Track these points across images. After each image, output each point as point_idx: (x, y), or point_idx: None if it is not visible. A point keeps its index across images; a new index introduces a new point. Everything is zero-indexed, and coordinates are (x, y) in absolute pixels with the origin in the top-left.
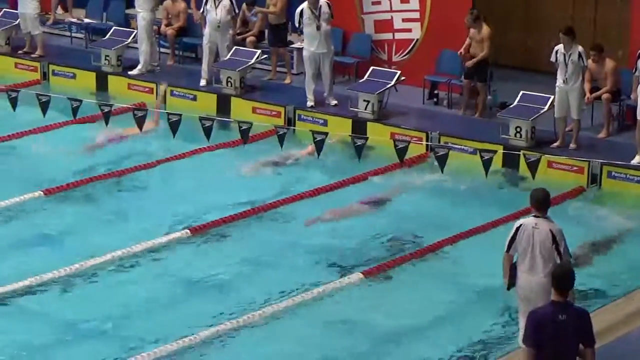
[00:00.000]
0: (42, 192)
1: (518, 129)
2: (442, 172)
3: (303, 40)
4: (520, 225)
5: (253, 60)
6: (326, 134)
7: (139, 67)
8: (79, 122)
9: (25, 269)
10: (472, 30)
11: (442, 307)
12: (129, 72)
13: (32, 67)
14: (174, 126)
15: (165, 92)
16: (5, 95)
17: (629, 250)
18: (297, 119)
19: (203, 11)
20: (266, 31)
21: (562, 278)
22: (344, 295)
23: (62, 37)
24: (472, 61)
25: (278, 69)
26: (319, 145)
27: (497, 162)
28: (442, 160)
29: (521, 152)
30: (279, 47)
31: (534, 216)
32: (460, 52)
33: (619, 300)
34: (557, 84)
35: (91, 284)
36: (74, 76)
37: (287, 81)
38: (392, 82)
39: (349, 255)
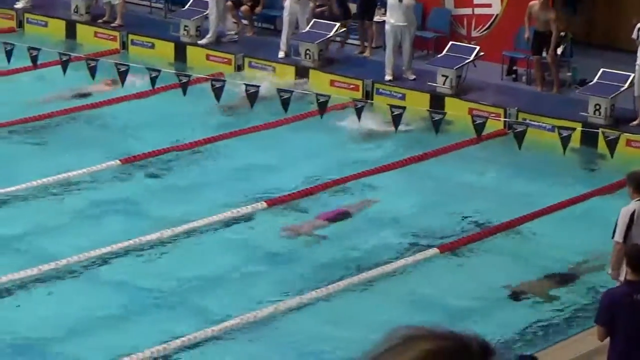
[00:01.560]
0: (119, 161)
1: (597, 107)
2: (519, 148)
3: (384, 13)
4: (634, 211)
5: (332, 33)
6: (404, 108)
7: (208, 36)
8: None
9: (102, 238)
10: (536, 10)
11: (517, 283)
12: (198, 42)
13: (111, 37)
14: (252, 97)
15: None
16: (84, 64)
17: None
18: (375, 92)
19: None
20: (343, 4)
21: (638, 257)
22: (420, 271)
23: (141, 6)
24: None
25: (353, 41)
26: (397, 120)
27: (575, 139)
28: (519, 137)
29: (600, 130)
30: (366, 20)
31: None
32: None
33: None
34: (638, 62)
35: (166, 254)
36: (152, 46)
37: (367, 54)
38: (471, 58)
39: (426, 231)
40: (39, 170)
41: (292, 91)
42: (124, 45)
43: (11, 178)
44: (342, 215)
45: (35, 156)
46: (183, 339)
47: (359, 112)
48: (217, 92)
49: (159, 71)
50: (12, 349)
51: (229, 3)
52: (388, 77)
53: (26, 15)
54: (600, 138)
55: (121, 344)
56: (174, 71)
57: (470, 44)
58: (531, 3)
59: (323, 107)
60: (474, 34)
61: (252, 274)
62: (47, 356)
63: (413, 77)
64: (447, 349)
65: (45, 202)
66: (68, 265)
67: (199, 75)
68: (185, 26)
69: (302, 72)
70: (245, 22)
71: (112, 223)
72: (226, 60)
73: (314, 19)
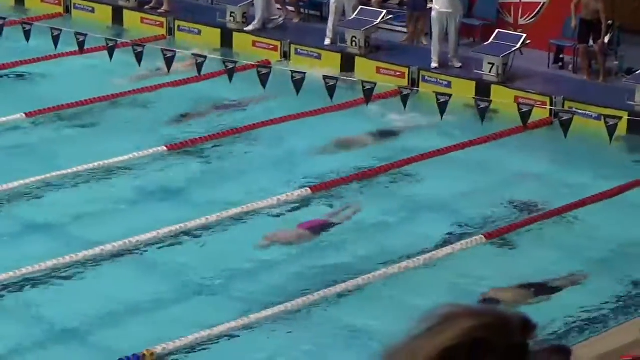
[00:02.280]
0: (166, 147)
1: None
2: (565, 137)
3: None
4: None
5: (378, 20)
6: (450, 95)
7: (254, 22)
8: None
9: (148, 223)
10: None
11: (563, 272)
12: (245, 28)
13: (158, 23)
14: (298, 84)
15: None
16: (131, 50)
17: None
18: (421, 80)
19: None
20: None
21: None
22: (466, 258)
23: None
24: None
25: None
26: (443, 107)
27: (621, 128)
28: (566, 125)
29: None
30: (420, 11)
31: None
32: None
33: None
34: None
35: (212, 240)
36: (199, 32)
37: (425, 43)
38: (518, 46)
39: (471, 217)
40: (86, 156)
41: (338, 78)
42: (170, 32)
43: (57, 163)
44: (325, 226)
45: (82, 141)
46: (222, 327)
47: (404, 100)
48: (264, 79)
49: (205, 57)
50: (56, 334)
51: None
52: (434, 65)
53: (73, 0)
54: None
55: (160, 331)
56: (221, 57)
57: (517, 31)
58: None
59: (369, 94)
60: (521, 21)
61: (296, 262)
62: (89, 342)
63: (459, 64)
64: (488, 325)
65: (92, 187)
66: (113, 251)
67: (246, 62)
68: (232, 12)
69: (347, 60)
70: (291, 8)
71: (158, 209)
72: (272, 46)
73: (361, 6)
